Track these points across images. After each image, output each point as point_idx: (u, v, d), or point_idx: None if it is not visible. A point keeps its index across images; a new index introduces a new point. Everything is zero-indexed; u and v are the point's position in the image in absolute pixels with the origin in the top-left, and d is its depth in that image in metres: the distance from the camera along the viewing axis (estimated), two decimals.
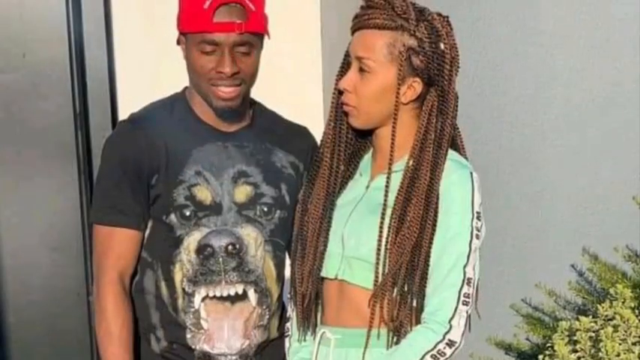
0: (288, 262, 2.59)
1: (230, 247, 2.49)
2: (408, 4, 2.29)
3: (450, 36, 2.31)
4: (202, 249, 2.49)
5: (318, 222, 2.38)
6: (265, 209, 2.54)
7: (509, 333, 3.24)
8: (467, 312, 2.25)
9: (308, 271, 2.38)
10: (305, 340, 2.45)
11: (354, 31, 2.34)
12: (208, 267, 2.49)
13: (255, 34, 2.45)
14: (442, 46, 2.29)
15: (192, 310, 2.52)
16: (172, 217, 2.49)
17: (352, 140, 2.41)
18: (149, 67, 3.81)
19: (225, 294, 2.52)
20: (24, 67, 3.81)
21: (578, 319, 2.68)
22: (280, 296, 2.61)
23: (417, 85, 2.30)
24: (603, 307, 2.65)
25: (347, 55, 2.37)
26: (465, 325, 2.25)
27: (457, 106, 2.34)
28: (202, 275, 2.50)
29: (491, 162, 3.74)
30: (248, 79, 2.48)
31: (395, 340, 2.28)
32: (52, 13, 3.82)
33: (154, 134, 2.51)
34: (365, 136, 2.41)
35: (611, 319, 2.61)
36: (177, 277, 2.52)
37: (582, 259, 3.13)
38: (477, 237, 2.27)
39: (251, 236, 2.52)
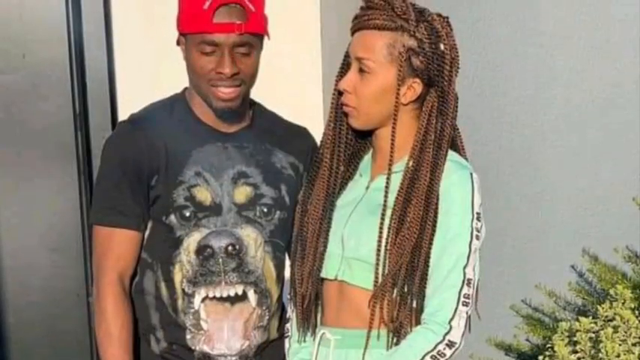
0: (288, 262, 2.59)
1: (230, 248, 2.49)
2: (407, 4, 2.28)
3: (450, 37, 2.31)
4: (202, 250, 2.48)
5: (318, 223, 2.38)
6: (265, 210, 2.54)
7: (510, 334, 3.24)
8: (467, 313, 2.25)
9: (308, 271, 2.38)
10: (305, 340, 2.45)
11: (353, 31, 2.33)
12: (208, 268, 2.49)
13: (255, 34, 2.45)
14: (442, 46, 2.29)
15: (192, 310, 2.52)
16: (172, 217, 2.49)
17: (352, 141, 2.41)
18: (149, 67, 3.81)
19: (224, 295, 2.51)
20: (24, 67, 3.81)
21: (578, 319, 2.68)
22: (280, 297, 2.61)
23: (416, 86, 2.30)
24: (603, 308, 2.65)
25: (347, 55, 2.37)
26: (465, 326, 2.25)
27: (457, 106, 2.34)
28: (202, 276, 2.50)
29: (491, 163, 3.74)
30: (248, 79, 2.48)
31: (395, 340, 2.28)
32: (52, 13, 3.81)
33: (154, 135, 2.50)
34: (365, 136, 2.41)
35: (611, 320, 2.61)
36: (177, 277, 2.52)
37: (582, 259, 3.13)
38: (477, 238, 2.27)
39: (251, 237, 2.52)
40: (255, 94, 2.59)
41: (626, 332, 2.55)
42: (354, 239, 2.32)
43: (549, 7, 3.70)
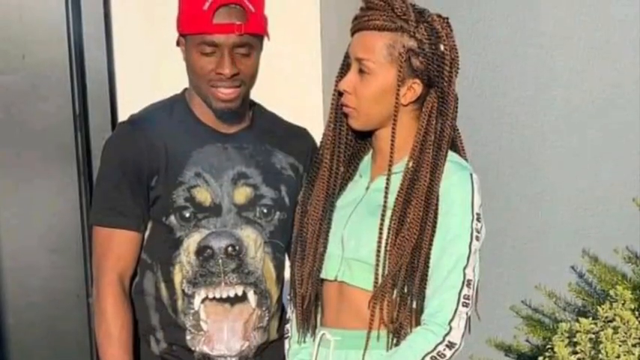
0: (287, 263, 2.59)
1: (230, 249, 2.49)
2: (407, 5, 2.28)
3: (450, 37, 2.31)
4: (202, 250, 2.48)
5: (318, 223, 2.38)
6: (265, 211, 2.54)
7: (509, 334, 3.24)
8: (467, 313, 2.25)
9: (308, 272, 2.38)
10: (305, 341, 2.45)
11: (353, 32, 2.33)
12: (208, 268, 2.49)
13: (254, 35, 2.45)
14: (442, 47, 2.29)
15: (192, 311, 2.52)
16: (172, 218, 2.49)
17: (352, 142, 2.41)
18: (149, 68, 3.80)
19: (224, 295, 2.51)
20: (23, 68, 3.81)
21: (578, 320, 2.68)
22: (280, 298, 2.61)
23: (416, 87, 2.29)
24: (603, 309, 2.65)
25: (347, 56, 2.37)
26: (465, 327, 2.25)
27: (457, 107, 2.34)
28: (202, 277, 2.49)
29: (491, 163, 3.74)
30: (248, 80, 2.48)
31: (395, 341, 2.28)
32: (52, 14, 3.81)
33: (154, 136, 2.50)
34: (365, 137, 2.41)
35: (611, 321, 2.61)
36: (177, 278, 2.52)
37: (582, 260, 3.13)
38: (477, 238, 2.27)
39: (251, 238, 2.52)
40: (255, 95, 2.59)
41: (626, 333, 2.55)
42: (354, 240, 2.32)
43: (549, 8, 3.70)
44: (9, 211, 3.86)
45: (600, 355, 2.51)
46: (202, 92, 2.49)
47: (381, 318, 2.28)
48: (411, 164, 2.29)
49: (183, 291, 2.51)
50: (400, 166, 2.31)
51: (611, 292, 2.74)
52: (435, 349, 2.22)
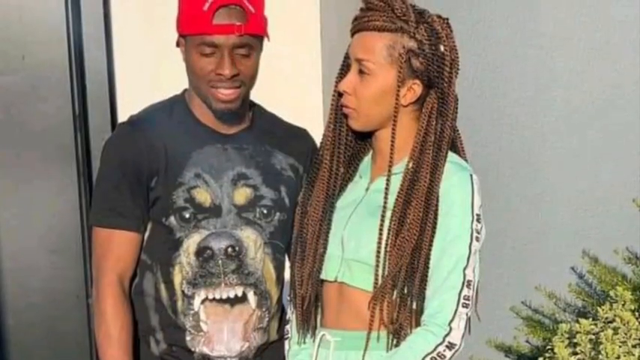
0: (287, 264, 2.59)
1: (230, 250, 2.49)
2: (407, 6, 2.28)
3: (450, 38, 2.31)
4: (202, 251, 2.48)
5: (318, 224, 2.38)
6: (265, 211, 2.54)
7: (509, 335, 3.24)
8: (467, 314, 2.25)
9: (308, 273, 2.37)
10: (305, 342, 2.45)
11: (353, 33, 2.33)
12: (208, 269, 2.49)
13: (254, 36, 2.45)
14: (442, 48, 2.29)
15: (192, 312, 2.52)
16: (172, 219, 2.49)
17: (352, 142, 2.41)
18: (149, 69, 3.80)
19: (224, 296, 2.51)
20: (23, 69, 3.81)
21: (578, 321, 2.68)
22: (280, 299, 2.61)
23: (416, 88, 2.29)
24: (603, 310, 2.65)
25: (346, 57, 2.36)
26: (465, 328, 2.25)
27: (457, 108, 2.34)
28: (202, 278, 2.49)
29: (491, 164, 3.74)
30: (247, 81, 2.48)
31: (395, 342, 2.28)
32: (52, 15, 3.81)
33: (154, 136, 2.50)
34: (365, 138, 2.41)
35: (611, 322, 2.61)
36: (177, 279, 2.52)
37: (582, 261, 3.13)
38: (477, 239, 2.27)
39: (250, 239, 2.52)
40: (255, 96, 2.59)
41: (626, 334, 2.55)
42: (354, 241, 2.32)
43: (549, 9, 3.71)
44: (9, 212, 3.85)
45: (600, 356, 2.51)
46: (202, 93, 2.49)
47: (381, 319, 2.27)
48: (411, 165, 2.29)
49: (183, 292, 2.51)
50: (400, 167, 2.31)
51: (611, 293, 2.74)
52: (435, 349, 2.22)
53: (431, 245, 2.25)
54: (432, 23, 2.29)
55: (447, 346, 2.23)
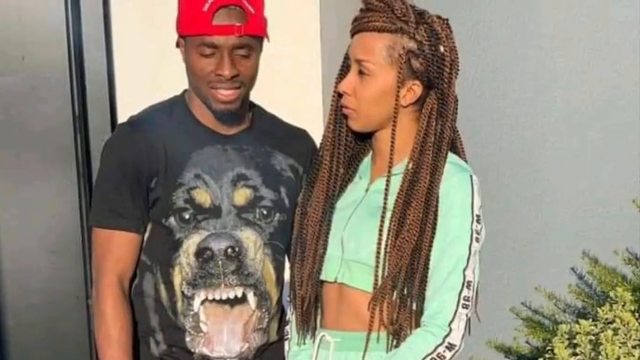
0: (287, 265, 2.59)
1: (229, 251, 2.49)
2: (407, 6, 2.28)
3: (450, 39, 2.31)
4: (202, 252, 2.48)
5: (318, 225, 2.38)
6: (265, 212, 2.54)
7: (509, 336, 3.24)
8: (467, 315, 2.24)
9: (307, 274, 2.37)
10: (304, 343, 2.45)
11: (353, 33, 2.33)
12: (208, 270, 2.49)
13: (254, 36, 2.45)
14: (442, 48, 2.29)
15: (192, 313, 2.52)
16: (172, 220, 2.49)
17: (352, 143, 2.41)
18: (148, 69, 3.80)
19: (224, 297, 2.51)
20: (23, 69, 3.80)
21: (578, 322, 2.69)
22: (280, 299, 2.61)
23: (416, 88, 2.29)
24: (603, 311, 2.65)
25: (346, 57, 2.36)
26: (465, 329, 2.25)
27: (457, 108, 2.34)
28: (202, 278, 2.49)
29: (491, 165, 3.74)
30: (247, 81, 2.48)
31: (394, 343, 2.28)
32: (51, 15, 3.80)
33: (153, 137, 2.50)
34: (364, 138, 2.41)
35: (611, 323, 2.61)
36: (177, 280, 2.51)
37: (582, 262, 3.13)
38: (477, 240, 2.27)
39: (250, 239, 2.51)
40: (255, 96, 2.59)
41: (626, 335, 2.55)
42: (354, 242, 2.32)
43: (549, 10, 3.71)
44: (8, 213, 3.85)
45: (600, 357, 2.51)
46: (202, 94, 2.49)
47: (380, 319, 2.27)
48: (410, 166, 2.29)
49: (182, 292, 2.51)
50: (400, 168, 2.31)
51: (611, 294, 2.74)
52: (434, 350, 2.22)
53: (431, 246, 2.25)
54: (431, 24, 2.29)
55: (446, 347, 2.22)
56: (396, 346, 2.27)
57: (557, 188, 3.75)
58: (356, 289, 2.31)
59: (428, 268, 2.25)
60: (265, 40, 2.50)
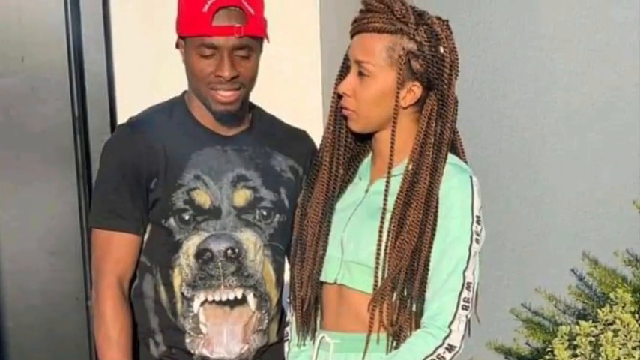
0: (287, 266, 2.58)
1: (229, 252, 2.48)
2: (407, 7, 2.28)
3: (450, 40, 2.31)
4: (201, 253, 2.48)
5: (318, 226, 2.38)
6: (264, 213, 2.54)
7: (509, 337, 3.24)
8: (467, 316, 2.24)
9: (307, 275, 2.37)
10: (304, 344, 2.45)
11: (353, 34, 2.33)
12: (207, 271, 2.49)
13: (254, 37, 2.45)
14: (442, 49, 2.28)
15: (192, 314, 2.51)
16: (171, 221, 2.49)
17: (351, 144, 2.41)
18: (148, 70, 3.80)
19: (224, 298, 2.51)
20: (23, 70, 3.80)
21: (578, 323, 2.69)
22: (279, 300, 2.61)
23: (416, 89, 2.29)
24: (603, 312, 2.65)
25: (346, 58, 2.36)
26: (465, 330, 2.25)
27: (457, 110, 2.34)
28: (201, 279, 2.49)
29: (491, 166, 3.74)
30: (247, 82, 2.48)
31: (394, 344, 2.28)
32: (51, 16, 3.80)
33: (153, 138, 2.50)
34: (364, 140, 2.40)
35: (611, 324, 2.61)
36: (177, 281, 2.51)
37: (582, 263, 3.13)
38: (477, 241, 2.26)
39: (250, 240, 2.51)
40: (255, 97, 2.59)
41: (626, 336, 2.55)
42: (354, 243, 2.32)
43: (549, 11, 3.71)
44: (8, 214, 3.85)
45: (600, 358, 2.51)
46: (202, 95, 2.49)
47: (380, 321, 2.27)
48: (410, 167, 2.29)
49: (182, 294, 2.51)
50: (400, 169, 2.30)
51: (611, 295, 2.74)
52: (434, 351, 2.22)
53: (431, 247, 2.25)
54: (431, 25, 2.29)
55: (446, 348, 2.22)
56: (396, 347, 2.27)
57: (557, 189, 3.75)
58: (356, 291, 2.31)
59: (428, 270, 2.25)
60: (265, 41, 2.50)
